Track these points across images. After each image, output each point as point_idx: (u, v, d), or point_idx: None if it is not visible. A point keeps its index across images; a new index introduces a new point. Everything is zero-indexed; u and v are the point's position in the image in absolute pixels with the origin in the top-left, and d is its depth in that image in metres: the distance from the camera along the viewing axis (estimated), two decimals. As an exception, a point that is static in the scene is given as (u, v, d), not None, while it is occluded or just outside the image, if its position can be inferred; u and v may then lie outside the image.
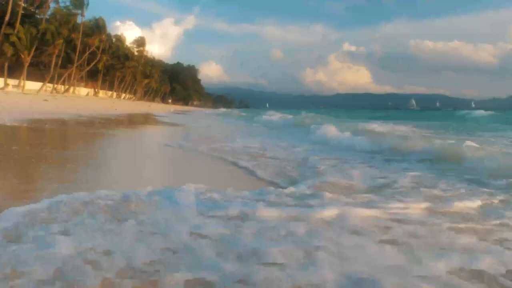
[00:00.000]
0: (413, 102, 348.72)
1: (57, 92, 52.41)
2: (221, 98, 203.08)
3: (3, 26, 40.72)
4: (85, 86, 65.90)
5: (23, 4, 43.46)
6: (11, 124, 12.13)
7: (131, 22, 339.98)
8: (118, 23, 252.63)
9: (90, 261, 2.24)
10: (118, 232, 2.69)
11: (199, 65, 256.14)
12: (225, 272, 2.21)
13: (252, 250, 2.52)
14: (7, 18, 40.76)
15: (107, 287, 2.02)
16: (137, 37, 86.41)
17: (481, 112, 42.81)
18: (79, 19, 54.78)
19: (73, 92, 58.59)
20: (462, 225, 3.25)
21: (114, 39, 69.18)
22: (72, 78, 57.04)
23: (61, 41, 47.89)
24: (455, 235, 3.02)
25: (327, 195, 4.00)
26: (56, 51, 48.04)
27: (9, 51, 41.12)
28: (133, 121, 22.96)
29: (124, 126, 18.00)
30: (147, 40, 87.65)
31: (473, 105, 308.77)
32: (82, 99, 49.88)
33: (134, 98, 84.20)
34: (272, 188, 4.41)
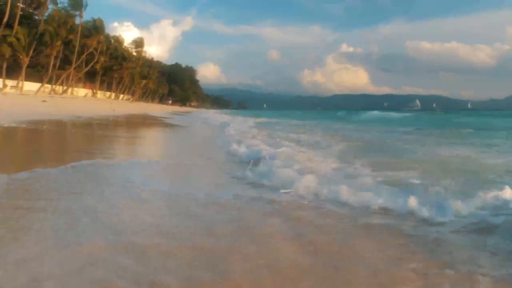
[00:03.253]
0: (418, 102, 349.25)
1: (55, 93, 52.41)
2: (219, 99, 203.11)
3: (1, 27, 40.74)
4: (83, 87, 65.87)
5: (21, 5, 43.45)
6: (8, 125, 12.25)
7: (129, 24, 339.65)
8: (116, 24, 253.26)
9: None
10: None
11: (197, 66, 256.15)
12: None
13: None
14: (5, 19, 40.76)
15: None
16: (135, 38, 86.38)
17: (375, 113, 43.71)
18: (77, 20, 54.83)
19: (71, 93, 58.58)
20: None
21: (112, 40, 69.18)
22: (70, 79, 57.02)
23: (60, 42, 47.92)
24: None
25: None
26: (54, 52, 48.06)
27: (7, 52, 41.10)
28: (131, 122, 23.08)
29: (123, 128, 18.15)
30: (145, 41, 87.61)
31: (469, 106, 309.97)
32: (80, 100, 49.91)
33: (132, 99, 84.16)
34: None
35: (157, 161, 7.13)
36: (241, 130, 15.90)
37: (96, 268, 2.29)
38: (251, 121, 27.58)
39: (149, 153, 9.07)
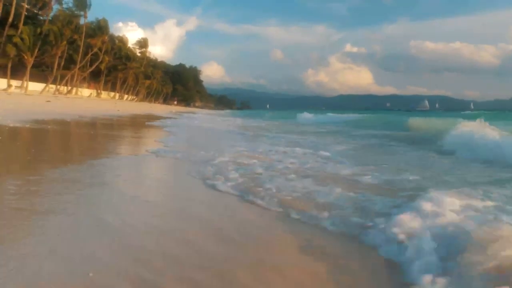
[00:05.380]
0: (427, 103, 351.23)
1: (60, 93, 52.58)
2: (222, 99, 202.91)
3: (6, 27, 40.91)
4: (88, 87, 66.09)
5: (26, 6, 43.64)
6: (14, 125, 12.20)
7: (133, 23, 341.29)
8: (120, 24, 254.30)
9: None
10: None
11: (200, 65, 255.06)
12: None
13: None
14: (10, 19, 40.95)
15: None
16: (139, 38, 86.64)
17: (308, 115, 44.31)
18: (81, 20, 55.11)
19: (76, 93, 58.77)
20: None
21: (116, 40, 69.39)
22: (74, 79, 57.21)
23: (64, 42, 48.08)
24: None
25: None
26: (59, 52, 48.23)
27: (12, 52, 41.30)
28: (135, 122, 23.05)
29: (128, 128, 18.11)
30: (149, 41, 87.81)
31: (472, 107, 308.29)
32: (85, 100, 50.02)
33: (136, 99, 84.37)
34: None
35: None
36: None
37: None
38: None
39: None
